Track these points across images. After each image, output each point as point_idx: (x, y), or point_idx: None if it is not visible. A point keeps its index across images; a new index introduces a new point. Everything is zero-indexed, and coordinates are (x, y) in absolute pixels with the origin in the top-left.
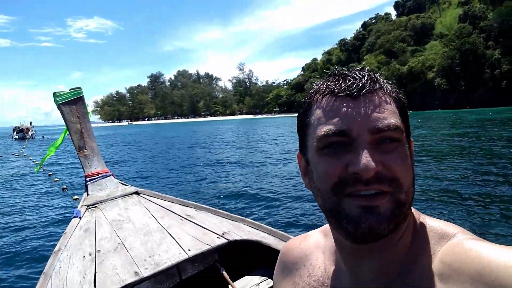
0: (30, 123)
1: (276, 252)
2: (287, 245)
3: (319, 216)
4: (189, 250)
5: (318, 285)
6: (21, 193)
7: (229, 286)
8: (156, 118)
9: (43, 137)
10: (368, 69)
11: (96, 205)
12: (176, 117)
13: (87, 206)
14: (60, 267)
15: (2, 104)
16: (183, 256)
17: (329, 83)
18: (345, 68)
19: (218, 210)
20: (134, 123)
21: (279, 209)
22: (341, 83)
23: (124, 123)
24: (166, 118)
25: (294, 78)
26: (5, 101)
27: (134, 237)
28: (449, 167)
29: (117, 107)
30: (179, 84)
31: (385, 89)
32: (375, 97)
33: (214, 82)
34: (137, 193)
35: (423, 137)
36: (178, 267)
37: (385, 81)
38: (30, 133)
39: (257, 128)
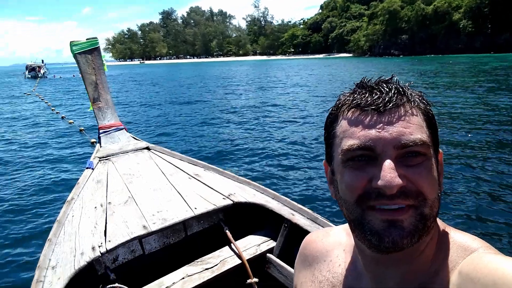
0: (42, 61)
1: (278, 216)
2: (308, 238)
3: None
4: (195, 208)
5: (337, 282)
6: (35, 133)
7: (231, 244)
8: (168, 57)
9: (54, 76)
10: (397, 79)
11: (108, 157)
12: (188, 56)
13: (100, 158)
14: (73, 216)
15: (13, 41)
16: (189, 214)
17: (355, 95)
18: (371, 79)
19: (225, 171)
20: (146, 62)
21: (289, 176)
22: (367, 97)
23: (136, 62)
24: (178, 57)
25: (311, 17)
26: (16, 38)
27: (143, 192)
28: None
29: (128, 45)
30: (192, 22)
31: (412, 102)
32: (402, 110)
33: (227, 20)
34: (148, 148)
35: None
36: (184, 224)
37: (413, 93)
38: (42, 71)
39: (274, 71)
